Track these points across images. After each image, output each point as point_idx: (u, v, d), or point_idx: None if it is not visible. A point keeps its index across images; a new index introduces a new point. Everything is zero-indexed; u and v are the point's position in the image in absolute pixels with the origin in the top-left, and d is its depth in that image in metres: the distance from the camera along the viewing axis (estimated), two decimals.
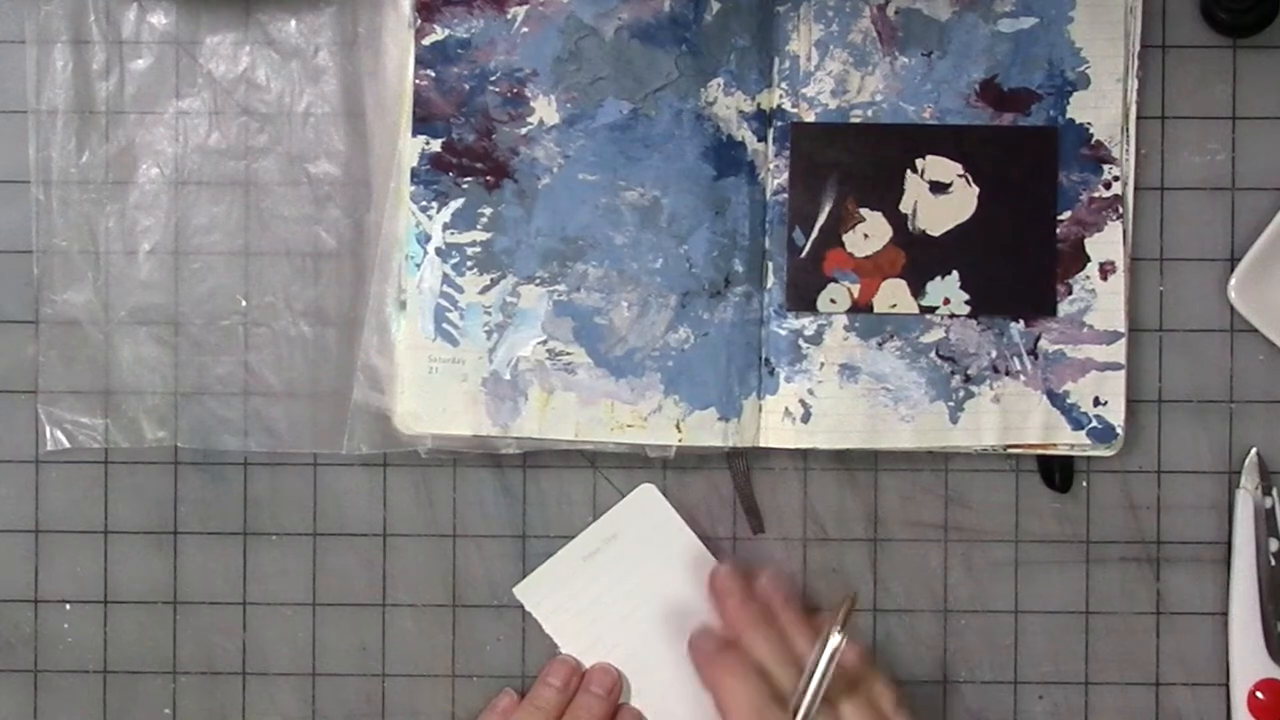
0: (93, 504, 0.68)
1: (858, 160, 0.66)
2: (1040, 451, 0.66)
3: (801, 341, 0.66)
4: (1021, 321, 0.66)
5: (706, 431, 0.66)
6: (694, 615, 0.66)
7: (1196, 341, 0.67)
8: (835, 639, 0.60)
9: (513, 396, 0.66)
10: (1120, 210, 0.66)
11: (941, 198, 0.66)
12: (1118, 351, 0.66)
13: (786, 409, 0.66)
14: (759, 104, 0.66)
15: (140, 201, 0.67)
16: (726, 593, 0.65)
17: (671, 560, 0.67)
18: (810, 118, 0.66)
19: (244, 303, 0.67)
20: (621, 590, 0.67)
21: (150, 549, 0.68)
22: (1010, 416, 0.66)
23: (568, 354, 0.66)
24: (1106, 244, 0.66)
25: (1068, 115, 0.66)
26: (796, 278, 0.66)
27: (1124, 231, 0.66)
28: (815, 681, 0.60)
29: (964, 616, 0.67)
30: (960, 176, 0.66)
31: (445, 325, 0.66)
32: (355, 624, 0.68)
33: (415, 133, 0.66)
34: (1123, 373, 0.66)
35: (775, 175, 0.66)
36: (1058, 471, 0.67)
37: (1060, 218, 0.66)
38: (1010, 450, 0.66)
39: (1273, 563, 0.66)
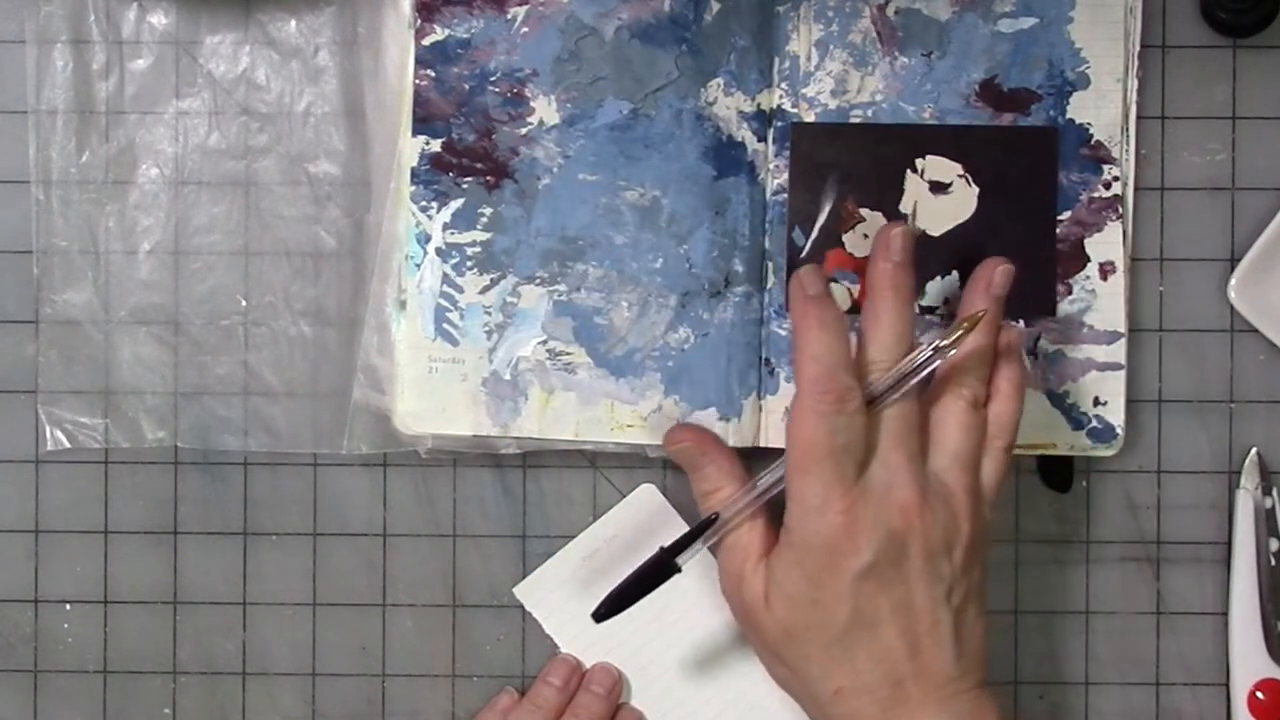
0: (93, 504, 0.68)
1: (858, 160, 0.66)
2: (1040, 451, 0.66)
3: None
4: (1021, 321, 0.66)
5: None
6: (694, 616, 0.66)
7: (1196, 341, 0.67)
8: (934, 347, 0.58)
9: (513, 396, 0.66)
10: (1120, 210, 0.66)
11: (941, 198, 0.66)
12: (1118, 351, 0.66)
13: (786, 409, 0.66)
14: (759, 104, 0.66)
15: (140, 201, 0.67)
16: (887, 253, 0.60)
17: None
18: (810, 118, 0.66)
19: (244, 303, 0.67)
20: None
21: (150, 549, 0.68)
22: None
23: (568, 354, 0.66)
24: (1106, 244, 0.66)
25: (1067, 115, 0.66)
26: None
27: (1124, 231, 0.66)
28: (896, 375, 0.58)
29: None
30: (960, 176, 0.66)
31: (445, 325, 0.66)
32: (355, 624, 0.68)
33: (415, 133, 0.66)
34: (1123, 373, 0.66)
35: (775, 175, 0.66)
36: (1058, 471, 0.67)
37: (1060, 218, 0.66)
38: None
39: (1273, 563, 0.66)
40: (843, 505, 0.57)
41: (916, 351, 0.59)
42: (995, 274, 0.61)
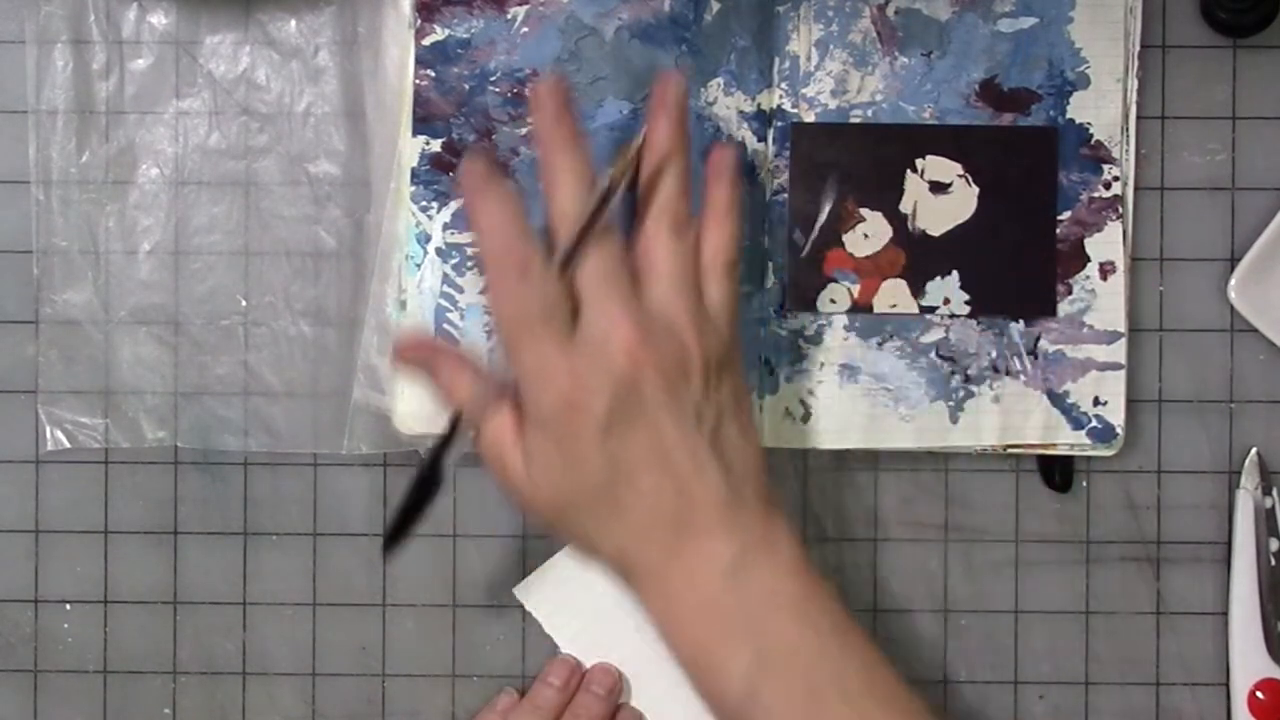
0: (93, 504, 0.68)
1: (858, 160, 0.66)
2: (1040, 451, 0.66)
3: (801, 341, 0.66)
4: (1021, 321, 0.66)
5: None
6: None
7: (1196, 341, 0.67)
8: (604, 181, 0.57)
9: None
10: (1120, 210, 0.66)
11: (941, 198, 0.66)
12: (1118, 351, 0.66)
13: (786, 409, 0.66)
14: (759, 104, 0.66)
15: (140, 201, 0.67)
16: (542, 105, 0.58)
17: None
18: (810, 118, 0.66)
19: (244, 303, 0.67)
20: (622, 591, 0.67)
21: (150, 549, 0.68)
22: (1010, 416, 0.66)
23: None
24: (1106, 244, 0.66)
25: (1067, 115, 0.66)
26: (796, 278, 0.66)
27: (1124, 231, 0.66)
28: (580, 220, 0.56)
29: (964, 616, 0.67)
30: (960, 176, 0.66)
31: (445, 325, 0.66)
32: (355, 624, 0.68)
33: (415, 133, 0.66)
34: (1123, 373, 0.66)
35: (775, 175, 0.66)
36: (1058, 471, 0.67)
37: (1060, 218, 0.66)
38: (1010, 450, 0.66)
39: (1273, 563, 0.66)
40: (563, 366, 0.56)
41: (588, 191, 0.57)
42: (668, 90, 0.59)
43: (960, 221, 0.66)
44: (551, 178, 0.58)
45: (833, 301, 0.66)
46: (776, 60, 0.66)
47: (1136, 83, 0.66)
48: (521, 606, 0.67)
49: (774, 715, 0.55)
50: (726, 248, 0.59)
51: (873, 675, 0.56)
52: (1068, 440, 0.66)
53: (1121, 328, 0.66)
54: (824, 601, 0.57)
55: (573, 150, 0.58)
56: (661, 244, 0.58)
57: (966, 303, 0.66)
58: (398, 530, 0.60)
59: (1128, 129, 0.66)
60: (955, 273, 0.66)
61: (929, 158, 0.66)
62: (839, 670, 0.56)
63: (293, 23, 0.67)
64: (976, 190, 0.66)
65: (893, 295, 0.66)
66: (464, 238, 0.66)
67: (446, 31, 0.66)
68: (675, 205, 0.58)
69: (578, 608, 0.67)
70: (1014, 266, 0.66)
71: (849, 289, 0.66)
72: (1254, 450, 0.67)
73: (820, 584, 0.57)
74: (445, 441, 0.59)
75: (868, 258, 0.66)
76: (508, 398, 0.58)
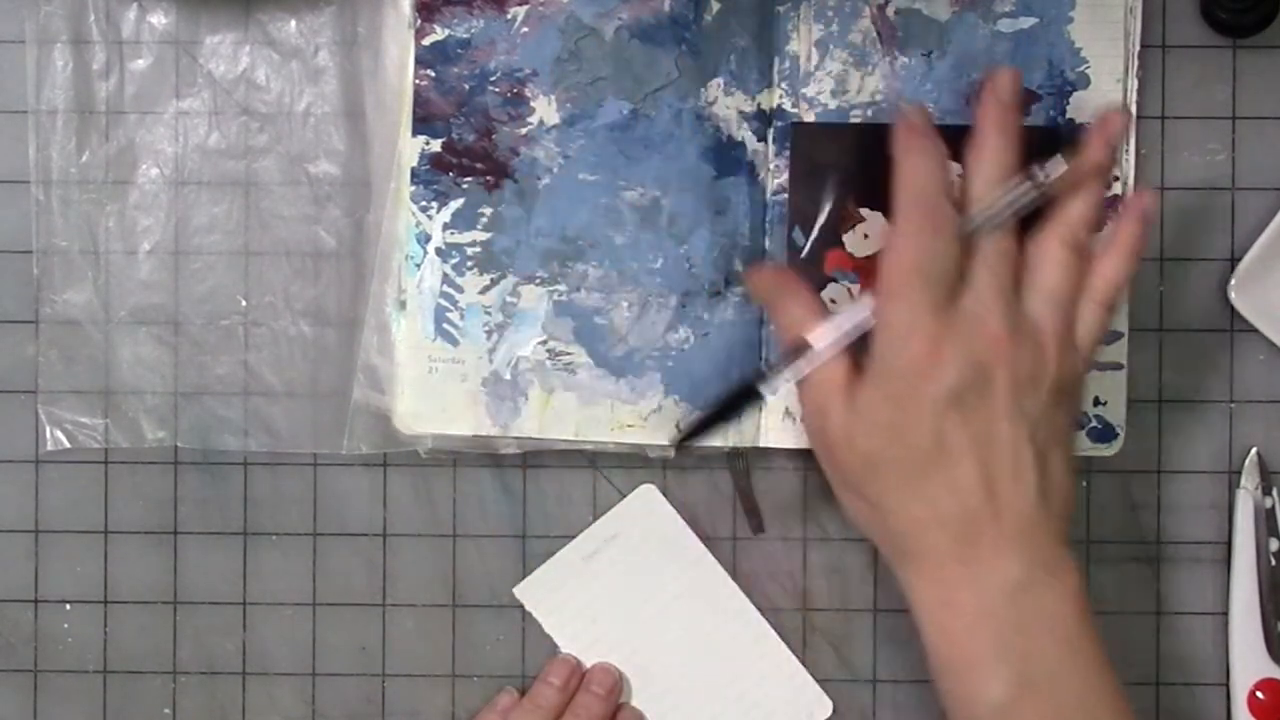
0: (93, 504, 0.68)
1: (858, 160, 0.66)
2: None
3: None
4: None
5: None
6: (690, 615, 0.66)
7: (1196, 341, 0.67)
8: (1041, 177, 0.57)
9: (513, 396, 0.66)
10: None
11: None
12: (1118, 351, 0.66)
13: (786, 409, 0.66)
14: (759, 104, 0.66)
15: (140, 201, 0.67)
16: (1001, 91, 0.59)
17: (672, 561, 0.67)
18: (810, 118, 0.66)
19: (244, 303, 0.67)
20: (622, 590, 0.67)
21: (150, 549, 0.68)
22: None
23: (568, 354, 0.66)
24: None
25: (1068, 115, 0.66)
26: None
27: None
28: (1000, 200, 0.57)
29: None
30: (960, 176, 0.66)
31: (445, 325, 0.66)
32: (355, 624, 0.68)
33: (415, 133, 0.66)
34: (1123, 373, 0.66)
35: (775, 175, 0.66)
36: None
37: None
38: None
39: (1273, 563, 0.66)
40: (930, 331, 0.56)
41: (1015, 184, 0.58)
42: (1112, 122, 0.59)
43: None
44: (980, 154, 0.58)
45: (833, 301, 0.66)
46: (776, 60, 0.66)
47: (1136, 83, 0.66)
48: (521, 606, 0.67)
49: None
50: (1115, 283, 0.59)
51: (1122, 716, 0.57)
52: None
53: (1121, 328, 0.66)
54: (1095, 646, 0.57)
55: (1013, 139, 0.58)
56: (1055, 260, 0.58)
57: None
58: (702, 426, 0.61)
59: (1128, 129, 0.66)
60: None
61: None
62: (1094, 707, 0.56)
63: (293, 23, 0.67)
64: None
65: None
66: (464, 237, 0.66)
67: (446, 31, 0.66)
68: (1079, 226, 0.58)
69: (578, 608, 0.67)
70: None
71: (849, 289, 0.66)
72: (1254, 450, 0.67)
73: (1095, 630, 0.57)
74: (781, 364, 0.59)
75: (868, 258, 0.66)
76: (847, 350, 0.59)
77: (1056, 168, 0.58)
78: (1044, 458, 0.57)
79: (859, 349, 0.58)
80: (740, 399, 0.61)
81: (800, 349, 0.59)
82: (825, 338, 0.58)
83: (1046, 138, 0.66)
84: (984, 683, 0.56)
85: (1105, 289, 0.59)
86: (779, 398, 0.66)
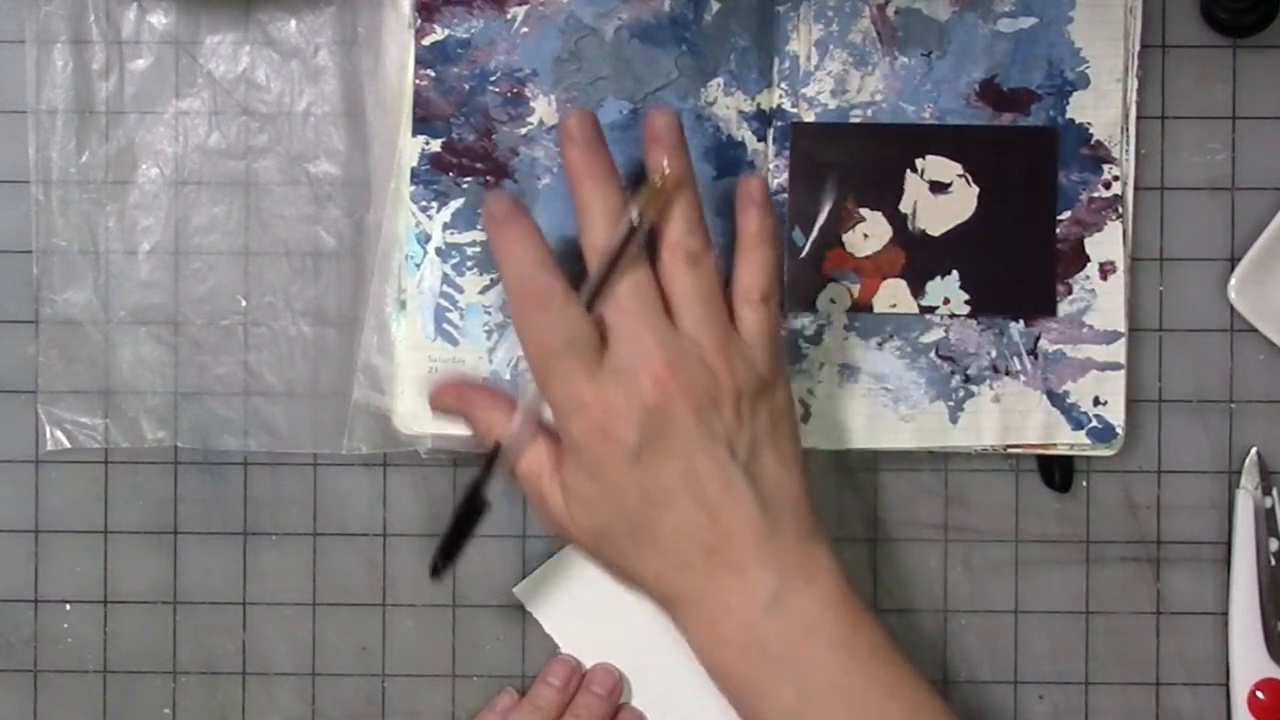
0: (93, 504, 0.68)
1: (858, 160, 0.66)
2: (1040, 451, 0.66)
3: (801, 341, 0.66)
4: (1021, 321, 0.66)
5: None
6: None
7: (1196, 341, 0.67)
8: (632, 214, 0.57)
9: (513, 396, 0.66)
10: (1120, 210, 0.66)
11: (941, 198, 0.66)
12: (1118, 351, 0.66)
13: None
14: (759, 104, 0.66)
15: (140, 201, 0.67)
16: (573, 137, 0.58)
17: None
18: (810, 118, 0.66)
19: (244, 303, 0.67)
20: (622, 591, 0.67)
21: (150, 549, 0.68)
22: (1010, 416, 0.66)
23: None
24: (1106, 244, 0.66)
25: (1067, 115, 0.66)
26: (796, 278, 0.66)
27: (1124, 231, 0.66)
28: (606, 255, 0.57)
29: (964, 616, 0.67)
30: (960, 176, 0.66)
31: (445, 325, 0.66)
32: (355, 624, 0.68)
33: (415, 133, 0.66)
34: (1123, 373, 0.66)
35: (775, 175, 0.66)
36: (1058, 471, 0.67)
37: (1060, 218, 0.66)
38: (1010, 450, 0.66)
39: (1273, 563, 0.66)
40: (592, 394, 0.56)
41: (617, 224, 0.57)
42: (657, 123, 0.58)
43: (960, 221, 0.66)
44: (583, 211, 0.58)
45: (833, 301, 0.66)
46: (776, 60, 0.66)
47: (1136, 83, 0.66)
48: (521, 606, 0.67)
49: None
50: (761, 278, 0.59)
51: (917, 708, 0.56)
52: (1068, 440, 0.66)
53: (1121, 328, 0.66)
54: (868, 635, 0.57)
55: (605, 183, 0.58)
56: (679, 277, 0.58)
57: (966, 302, 0.66)
58: (446, 554, 0.62)
59: (1128, 129, 0.66)
60: (955, 272, 0.66)
61: (929, 158, 0.66)
62: (882, 704, 0.56)
63: (293, 23, 0.67)
64: (976, 190, 0.66)
65: (892, 295, 0.66)
66: (464, 237, 0.66)
67: (446, 31, 0.66)
68: (688, 239, 0.58)
69: (578, 608, 0.67)
70: (1014, 266, 0.66)
71: (849, 289, 0.66)
72: (1254, 450, 0.67)
73: (863, 614, 0.57)
74: (486, 471, 0.61)
75: (868, 258, 0.66)
76: (545, 434, 0.59)
77: (645, 197, 0.57)
78: (751, 467, 0.57)
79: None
80: (469, 513, 0.61)
81: (496, 449, 0.60)
82: (517, 431, 0.60)
83: (1046, 137, 0.66)
84: (767, 704, 0.56)
85: (750, 287, 0.59)
86: None
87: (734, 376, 0.57)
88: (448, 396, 0.63)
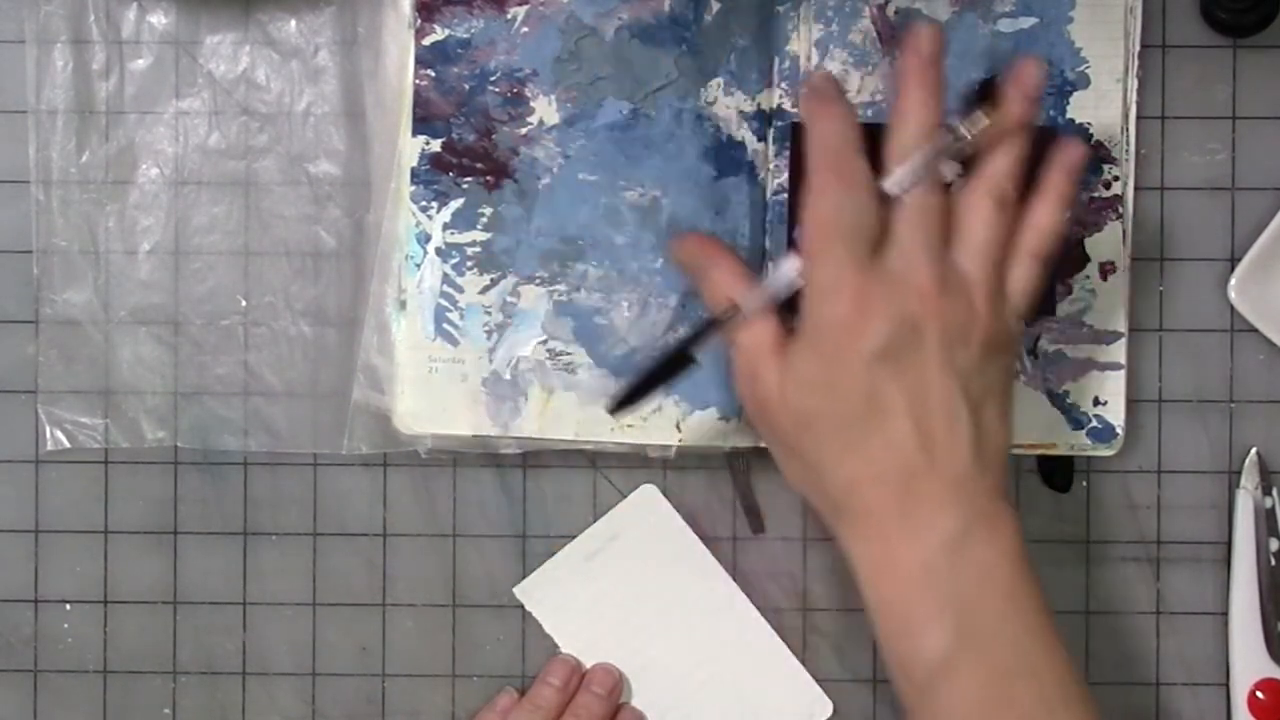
0: (93, 504, 0.68)
1: None
2: (1040, 451, 0.66)
3: None
4: (1021, 321, 0.66)
5: (707, 431, 0.66)
6: (691, 616, 0.66)
7: (1196, 341, 0.67)
8: (960, 132, 0.57)
9: (513, 396, 0.66)
10: (1120, 210, 0.66)
11: None
12: (1118, 351, 0.66)
13: None
14: (759, 104, 0.66)
15: (140, 201, 0.67)
16: (921, 46, 0.58)
17: (672, 562, 0.67)
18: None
19: (244, 303, 0.67)
20: (622, 591, 0.67)
21: (150, 549, 0.68)
22: None
23: (568, 354, 0.66)
24: (1106, 244, 0.66)
25: (1068, 115, 0.66)
26: None
27: (1124, 231, 0.66)
28: (919, 155, 0.57)
29: None
30: (960, 176, 0.66)
31: (445, 325, 0.66)
32: (355, 624, 0.68)
33: (415, 133, 0.66)
34: (1123, 373, 0.66)
35: (775, 175, 0.66)
36: (1058, 471, 0.67)
37: None
38: (1010, 450, 0.66)
39: (1273, 563, 0.66)
40: (855, 285, 0.56)
41: (936, 139, 0.57)
42: (1026, 72, 0.58)
43: None
44: (903, 109, 0.58)
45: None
46: (776, 60, 0.66)
47: (1136, 83, 0.66)
48: (521, 606, 0.67)
49: (964, 690, 0.55)
50: (1045, 235, 0.59)
51: (1066, 675, 0.56)
52: (1068, 440, 0.66)
53: (1121, 328, 0.66)
54: (1035, 596, 0.57)
55: (934, 94, 0.58)
56: (980, 213, 0.58)
57: None
58: (634, 395, 0.61)
59: (1128, 129, 0.66)
60: None
61: None
62: (1036, 663, 0.56)
63: (293, 23, 0.67)
64: None
65: None
66: (464, 237, 0.66)
67: (446, 31, 0.66)
68: (1004, 179, 0.58)
69: (578, 608, 0.67)
70: None
71: None
72: (1254, 450, 0.67)
73: (1034, 578, 0.57)
74: (708, 328, 0.60)
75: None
76: (775, 312, 0.59)
77: (977, 122, 0.57)
78: (978, 411, 0.57)
79: (789, 311, 0.58)
80: (672, 364, 0.61)
81: (729, 312, 0.59)
82: (753, 300, 0.58)
83: (1046, 137, 0.66)
84: (924, 638, 0.56)
85: (1034, 240, 0.58)
86: None
87: (991, 320, 0.57)
88: (690, 247, 0.62)
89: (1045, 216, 0.59)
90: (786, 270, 0.58)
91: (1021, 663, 0.56)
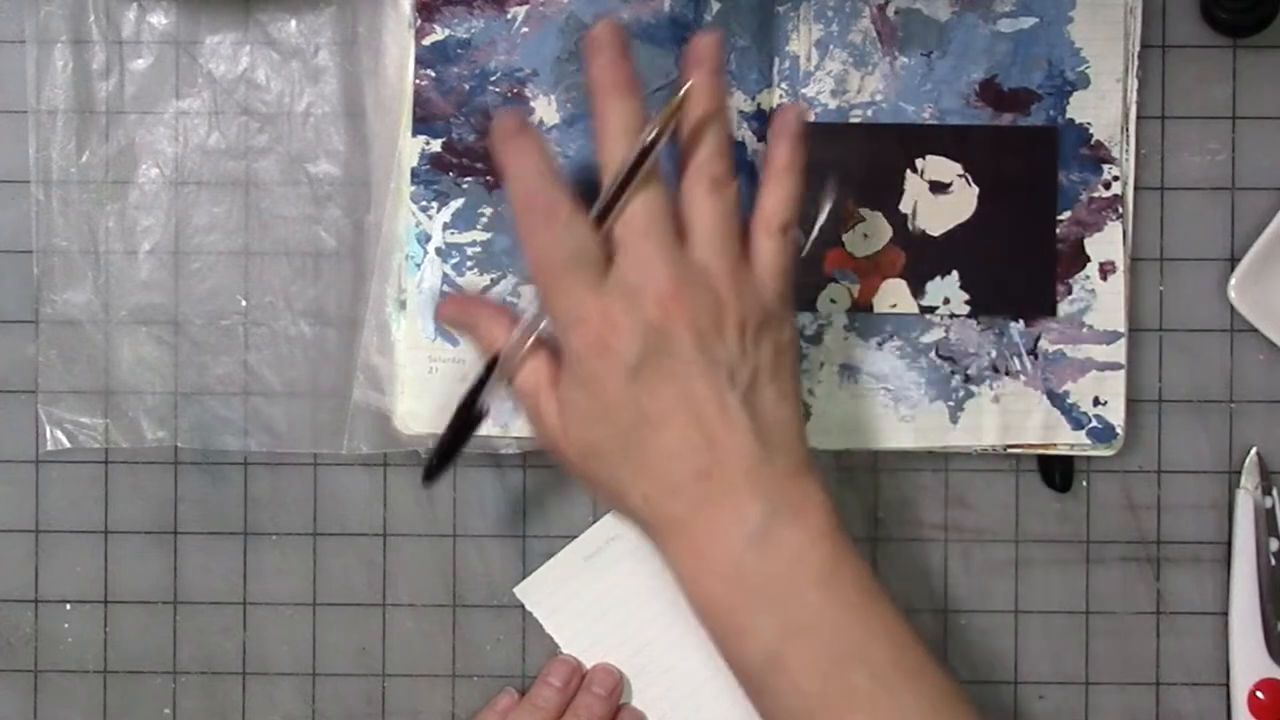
0: (93, 504, 0.68)
1: (858, 160, 0.66)
2: (1040, 451, 0.66)
3: (801, 341, 0.66)
4: (1021, 321, 0.66)
5: None
6: (691, 617, 0.66)
7: (1196, 341, 0.67)
8: (649, 133, 0.56)
9: (513, 397, 0.66)
10: (1120, 210, 0.66)
11: (941, 198, 0.66)
12: (1118, 351, 0.66)
13: None
14: (759, 104, 0.66)
15: (140, 201, 0.67)
16: (600, 49, 0.58)
17: None
18: (810, 118, 0.66)
19: (244, 303, 0.67)
20: (623, 591, 0.67)
21: (150, 549, 0.68)
22: (1010, 416, 0.66)
23: None
24: (1106, 244, 0.66)
25: (1067, 115, 0.66)
26: (796, 278, 0.66)
27: (1124, 231, 0.66)
28: (620, 168, 0.56)
29: (964, 616, 0.67)
30: (960, 176, 0.66)
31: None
32: (355, 624, 0.68)
33: (415, 133, 0.66)
34: (1123, 373, 0.66)
35: None
36: (1058, 471, 0.67)
37: (1060, 218, 0.66)
38: (1010, 450, 0.66)
39: (1273, 563, 0.66)
40: (595, 309, 0.55)
41: (635, 141, 0.57)
42: (700, 46, 0.58)
43: (960, 221, 0.66)
44: (602, 123, 0.57)
45: (833, 301, 0.66)
46: (776, 60, 0.66)
47: (1136, 83, 0.66)
48: (521, 606, 0.67)
49: (796, 683, 0.55)
50: (781, 208, 0.58)
51: (900, 649, 0.55)
52: (1068, 440, 0.66)
53: (1121, 328, 0.66)
54: (853, 572, 0.56)
55: (627, 97, 0.57)
56: (699, 201, 0.57)
57: (966, 302, 0.66)
58: (439, 461, 0.61)
59: (1128, 129, 0.66)
60: (955, 272, 0.66)
61: (929, 158, 0.66)
62: (864, 642, 0.55)
63: (293, 23, 0.67)
64: (976, 190, 0.66)
65: (893, 295, 0.66)
66: (464, 237, 0.66)
67: (446, 31, 0.66)
68: (713, 163, 0.57)
69: (579, 608, 0.67)
70: (1014, 266, 0.66)
71: (849, 289, 0.66)
72: (1254, 450, 0.67)
73: (850, 553, 0.56)
74: (483, 379, 0.60)
75: (868, 258, 0.66)
76: (545, 348, 0.59)
77: (661, 114, 0.56)
78: (751, 396, 0.56)
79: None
80: (465, 422, 0.61)
81: (495, 358, 0.60)
82: (511, 343, 0.59)
83: (1046, 137, 0.66)
84: (748, 637, 0.55)
85: (771, 215, 0.58)
86: None
87: (741, 304, 0.56)
88: (451, 310, 0.63)
89: (776, 191, 0.58)
90: (536, 308, 0.59)
91: (848, 646, 0.55)
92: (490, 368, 0.60)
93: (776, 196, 0.59)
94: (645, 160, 0.56)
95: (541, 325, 0.59)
